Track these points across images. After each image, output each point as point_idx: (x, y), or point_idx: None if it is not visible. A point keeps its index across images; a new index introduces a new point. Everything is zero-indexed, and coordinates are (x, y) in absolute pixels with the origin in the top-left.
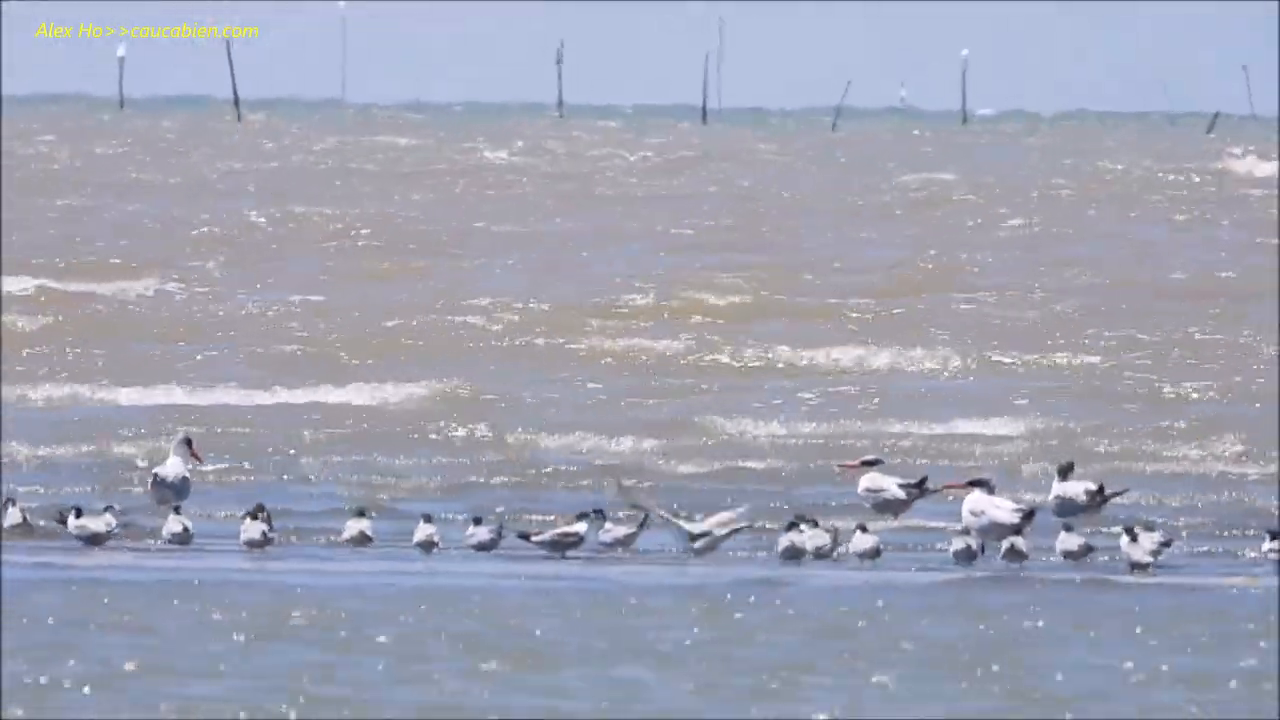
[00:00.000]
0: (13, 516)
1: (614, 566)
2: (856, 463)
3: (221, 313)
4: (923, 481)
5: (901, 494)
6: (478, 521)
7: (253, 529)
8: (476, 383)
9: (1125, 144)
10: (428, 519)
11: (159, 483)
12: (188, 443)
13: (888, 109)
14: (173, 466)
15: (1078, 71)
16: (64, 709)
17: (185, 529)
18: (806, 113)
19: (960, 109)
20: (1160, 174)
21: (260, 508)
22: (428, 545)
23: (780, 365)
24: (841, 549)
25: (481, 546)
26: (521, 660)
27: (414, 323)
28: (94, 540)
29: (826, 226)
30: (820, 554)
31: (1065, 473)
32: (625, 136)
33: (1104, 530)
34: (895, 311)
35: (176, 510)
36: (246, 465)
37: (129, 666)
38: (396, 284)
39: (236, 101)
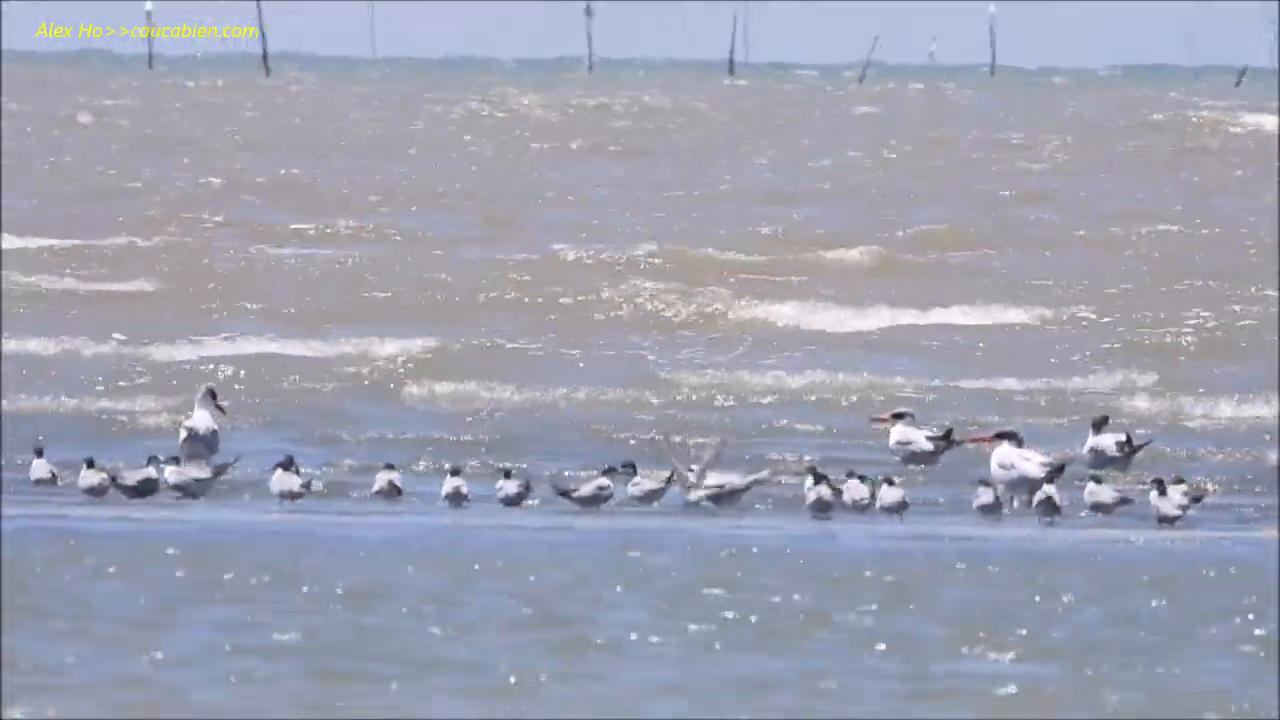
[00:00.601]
0: (39, 469)
1: (651, 520)
2: (887, 416)
3: (251, 264)
4: (949, 433)
5: (930, 446)
6: (507, 475)
7: (288, 480)
8: (490, 338)
9: (1155, 97)
10: (455, 472)
11: (191, 436)
12: (211, 394)
13: (916, 65)
14: (201, 419)
15: (1106, 27)
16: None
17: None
18: (834, 68)
19: (990, 64)
20: (1201, 126)
21: (290, 459)
22: (456, 498)
23: (810, 323)
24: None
25: (509, 500)
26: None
27: (442, 276)
28: (95, 493)
29: (865, 180)
30: (859, 506)
31: (1100, 426)
32: (655, 89)
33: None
34: (937, 265)
35: (170, 461)
36: (254, 419)
37: (225, 635)
38: (425, 241)
39: (265, 57)
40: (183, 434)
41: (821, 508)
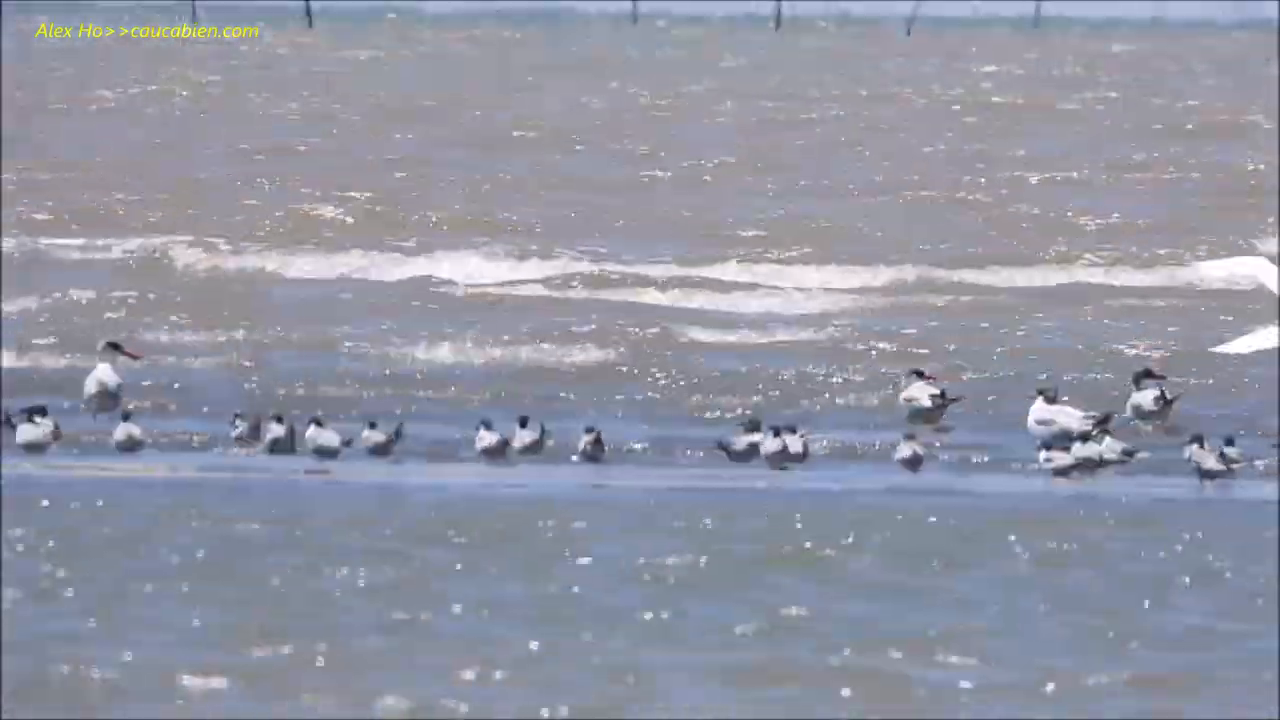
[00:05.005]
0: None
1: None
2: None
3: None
4: (943, 392)
5: (929, 403)
6: (488, 426)
7: (326, 435)
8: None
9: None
10: (488, 426)
11: (102, 391)
12: (115, 346)
13: (956, 17)
14: (109, 373)
15: None
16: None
17: (130, 436)
18: (878, 20)
19: (1034, 15)
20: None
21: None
22: (494, 451)
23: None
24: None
25: (527, 449)
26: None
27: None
28: (32, 449)
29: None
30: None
31: (1140, 380)
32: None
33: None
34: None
35: (126, 417)
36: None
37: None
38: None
39: (309, 10)
40: (93, 388)
41: (913, 463)
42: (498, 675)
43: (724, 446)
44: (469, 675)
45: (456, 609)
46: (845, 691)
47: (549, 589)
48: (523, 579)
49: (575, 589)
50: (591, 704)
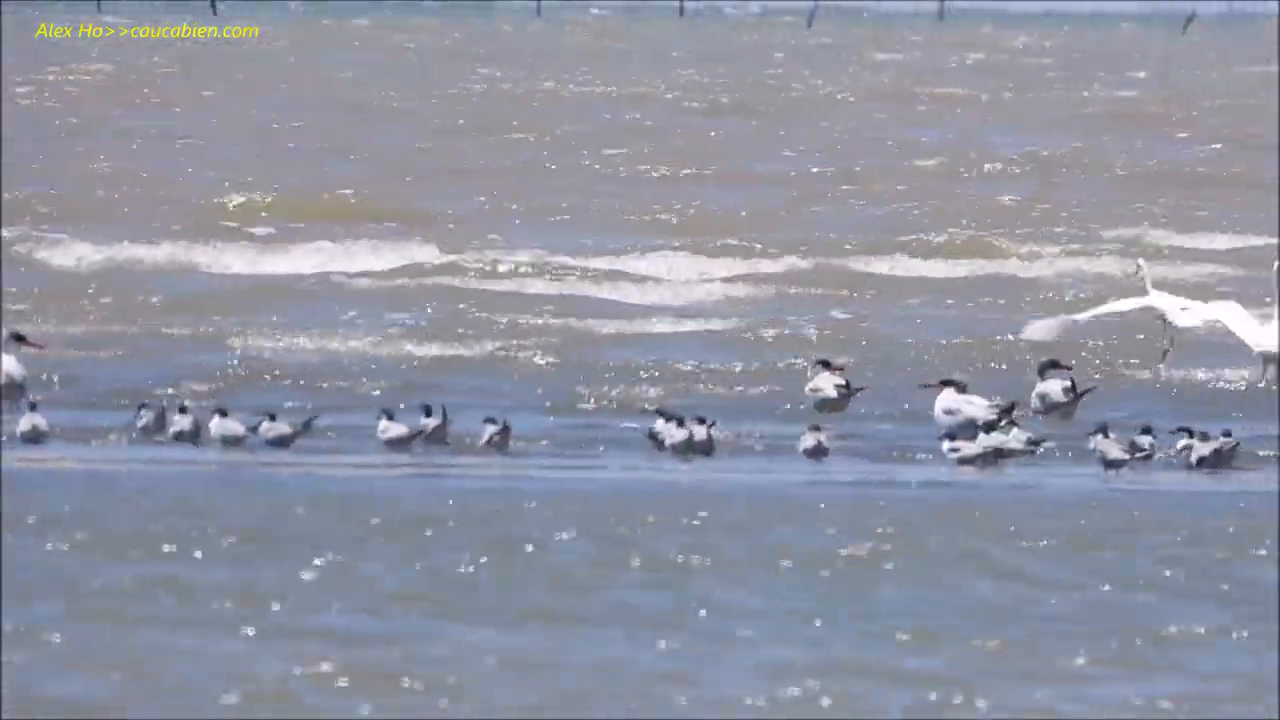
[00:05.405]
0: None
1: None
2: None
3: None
4: (848, 383)
5: (835, 394)
6: (389, 416)
7: (229, 425)
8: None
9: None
10: (389, 415)
11: (10, 384)
12: (19, 338)
13: (859, 10)
14: (13, 365)
15: None
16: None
17: (35, 427)
18: (781, 11)
19: (938, 8)
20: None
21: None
22: (399, 442)
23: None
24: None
25: (394, 441)
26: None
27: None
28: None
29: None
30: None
31: (1044, 370)
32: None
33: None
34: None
35: (33, 407)
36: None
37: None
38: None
39: (214, 2)
40: None
41: (815, 453)
42: (395, 670)
43: (653, 436)
44: (370, 671)
45: (360, 602)
46: (772, 690)
47: (455, 582)
48: (430, 573)
49: (481, 583)
50: (499, 700)
